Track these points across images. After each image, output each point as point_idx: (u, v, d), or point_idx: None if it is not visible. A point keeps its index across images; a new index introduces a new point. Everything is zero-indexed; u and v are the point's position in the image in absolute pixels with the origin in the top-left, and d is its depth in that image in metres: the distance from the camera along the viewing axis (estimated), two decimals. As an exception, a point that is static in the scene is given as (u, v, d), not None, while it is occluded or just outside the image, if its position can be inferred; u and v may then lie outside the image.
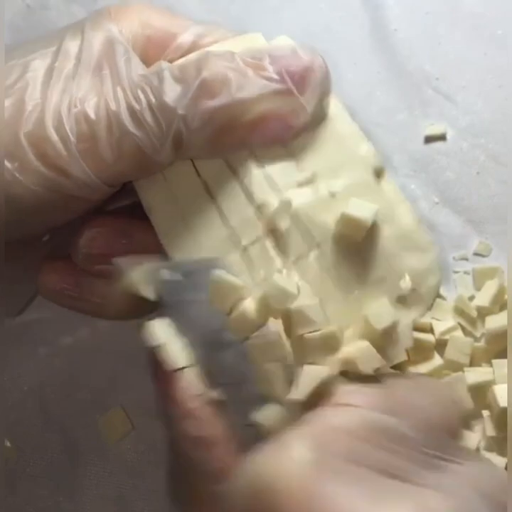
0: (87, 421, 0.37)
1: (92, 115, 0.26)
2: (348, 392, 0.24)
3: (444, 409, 0.25)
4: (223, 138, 0.26)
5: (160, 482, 0.37)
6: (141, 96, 0.26)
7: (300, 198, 0.27)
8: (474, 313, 0.34)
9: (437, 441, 0.23)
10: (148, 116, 0.25)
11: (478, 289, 0.35)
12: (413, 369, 0.35)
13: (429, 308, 0.28)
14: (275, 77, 0.26)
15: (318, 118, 0.28)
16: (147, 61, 0.28)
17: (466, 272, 0.36)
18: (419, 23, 0.41)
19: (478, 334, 0.35)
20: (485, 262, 0.36)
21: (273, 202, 0.27)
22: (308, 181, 0.27)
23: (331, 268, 0.27)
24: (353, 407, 0.23)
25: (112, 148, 0.26)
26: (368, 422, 0.22)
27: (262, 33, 0.41)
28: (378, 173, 0.28)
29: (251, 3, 0.43)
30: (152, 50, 0.28)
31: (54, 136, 0.25)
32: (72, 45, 0.27)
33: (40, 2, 0.44)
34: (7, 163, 0.25)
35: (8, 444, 0.37)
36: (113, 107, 0.26)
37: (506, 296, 0.35)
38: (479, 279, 0.35)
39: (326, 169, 0.27)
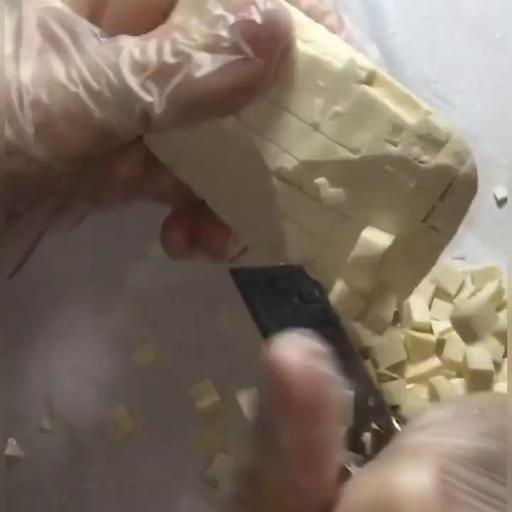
0: (92, 419, 0.38)
1: (47, 100, 0.25)
2: (442, 421, 0.21)
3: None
4: (192, 116, 0.25)
5: (163, 480, 0.37)
6: (101, 77, 0.25)
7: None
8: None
9: None
10: (109, 97, 0.24)
11: (478, 289, 0.36)
12: (412, 368, 0.35)
13: None
14: (231, 46, 0.24)
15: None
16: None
17: (464, 272, 0.36)
18: (418, 27, 0.41)
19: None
20: (482, 262, 0.37)
21: None
22: None
23: None
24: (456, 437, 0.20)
25: (74, 132, 0.25)
26: (476, 449, 0.20)
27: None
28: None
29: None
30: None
31: (8, 131, 0.24)
32: (9, 24, 0.25)
33: None
34: None
35: (13, 442, 0.38)
36: (72, 88, 0.25)
37: (504, 297, 0.35)
38: (478, 279, 0.36)
39: None
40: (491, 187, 0.38)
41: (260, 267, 0.27)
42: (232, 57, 0.24)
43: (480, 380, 0.34)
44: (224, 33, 0.25)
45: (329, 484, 0.20)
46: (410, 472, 0.19)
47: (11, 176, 0.25)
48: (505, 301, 0.35)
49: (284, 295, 0.26)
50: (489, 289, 0.35)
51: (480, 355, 0.34)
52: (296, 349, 0.20)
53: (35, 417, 0.38)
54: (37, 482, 0.38)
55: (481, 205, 0.37)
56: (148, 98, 0.24)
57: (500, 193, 0.38)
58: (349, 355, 0.24)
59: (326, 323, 0.25)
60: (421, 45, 0.41)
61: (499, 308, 0.35)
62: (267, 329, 0.26)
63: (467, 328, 0.34)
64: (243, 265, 0.28)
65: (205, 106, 0.25)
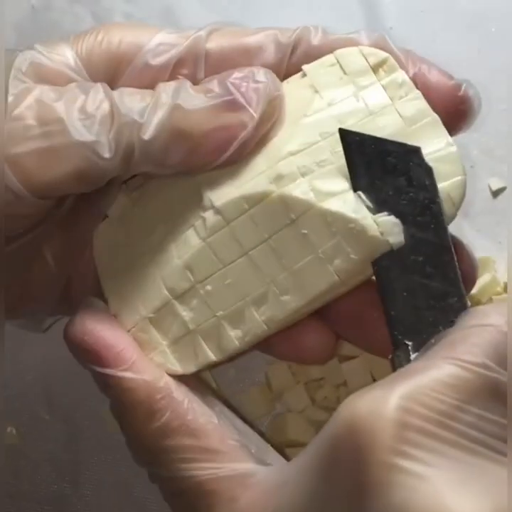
0: (90, 409, 0.38)
1: (30, 120, 0.25)
2: (464, 351, 0.22)
3: None
4: (172, 154, 0.25)
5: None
6: (90, 100, 0.25)
7: None
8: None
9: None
10: (97, 118, 0.25)
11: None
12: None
13: None
14: (219, 91, 0.26)
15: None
16: (116, 77, 0.27)
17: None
18: (415, 21, 0.42)
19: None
20: (477, 252, 0.37)
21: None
22: None
23: None
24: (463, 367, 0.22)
25: (50, 155, 0.25)
26: (481, 374, 0.21)
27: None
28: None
29: (250, 2, 0.43)
30: (119, 65, 0.27)
31: None
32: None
33: (44, 3, 0.45)
34: None
35: (13, 431, 0.38)
36: (59, 110, 0.25)
37: (498, 288, 0.35)
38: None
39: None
40: (486, 178, 0.38)
41: (372, 137, 0.25)
42: (218, 100, 0.25)
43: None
44: (215, 88, 0.26)
45: None
46: (391, 398, 0.21)
47: None
48: (500, 291, 0.35)
49: (391, 172, 0.25)
50: (484, 278, 0.35)
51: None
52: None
53: (34, 406, 0.39)
54: (35, 470, 0.38)
55: (477, 196, 0.38)
56: (140, 120, 0.25)
57: (495, 184, 0.38)
58: (442, 250, 0.25)
59: (426, 214, 0.25)
60: (417, 39, 0.41)
61: (494, 298, 0.35)
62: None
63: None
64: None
65: (191, 140, 0.25)
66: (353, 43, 0.27)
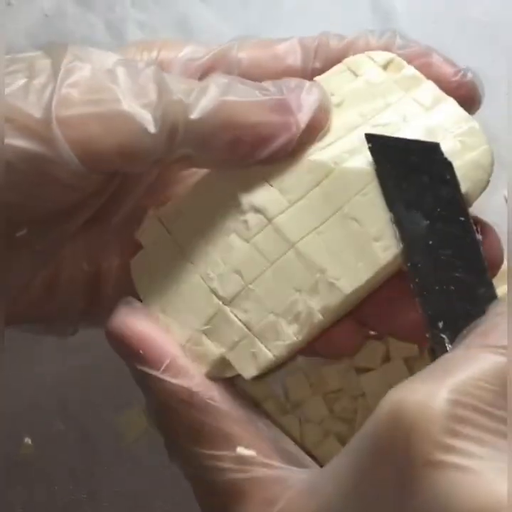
0: (104, 420, 0.38)
1: (82, 87, 0.25)
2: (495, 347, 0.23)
3: None
4: (216, 138, 0.26)
5: (176, 479, 0.38)
6: (141, 77, 0.26)
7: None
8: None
9: None
10: (146, 94, 0.25)
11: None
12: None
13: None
14: (272, 89, 0.27)
15: None
16: None
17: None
18: (427, 32, 0.42)
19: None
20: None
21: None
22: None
23: None
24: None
25: (99, 122, 0.25)
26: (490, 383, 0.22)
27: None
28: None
29: (265, 11, 0.44)
30: None
31: (33, 110, 0.25)
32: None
33: (57, 12, 0.45)
34: None
35: (28, 441, 0.38)
36: (110, 81, 0.25)
37: None
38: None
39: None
40: (502, 189, 0.38)
41: (395, 138, 0.26)
42: (269, 97, 0.26)
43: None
44: (270, 87, 0.27)
45: None
46: (420, 391, 0.21)
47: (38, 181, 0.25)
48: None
49: (415, 171, 0.26)
50: (501, 290, 0.35)
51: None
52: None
53: (49, 417, 0.39)
54: (51, 480, 0.38)
55: (493, 207, 0.38)
56: (187, 101, 0.25)
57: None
58: (468, 244, 0.26)
59: (451, 208, 0.26)
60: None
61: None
62: (393, 202, 0.26)
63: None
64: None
65: (236, 127, 0.26)
66: (365, 43, 0.29)
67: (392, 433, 0.21)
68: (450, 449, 0.20)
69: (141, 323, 0.27)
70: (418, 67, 0.28)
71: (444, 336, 0.25)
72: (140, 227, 0.30)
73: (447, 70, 0.29)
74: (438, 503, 0.20)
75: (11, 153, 0.24)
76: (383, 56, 0.29)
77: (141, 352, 0.26)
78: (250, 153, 0.26)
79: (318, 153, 0.27)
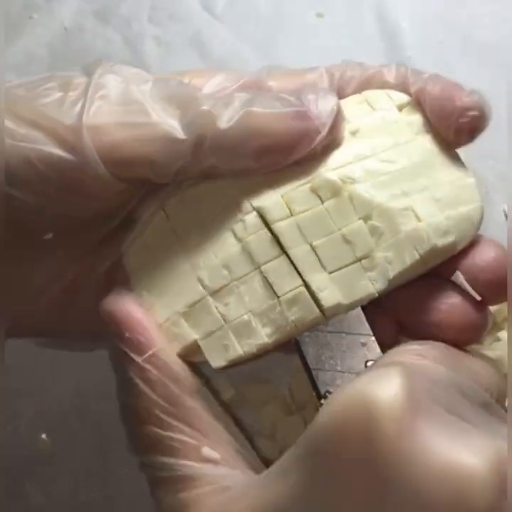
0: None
1: (112, 98, 0.26)
2: (418, 348, 0.25)
3: (490, 378, 0.26)
4: (242, 147, 0.27)
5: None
6: (170, 88, 0.27)
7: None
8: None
9: (485, 402, 0.25)
10: (174, 104, 0.26)
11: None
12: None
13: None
14: (292, 100, 0.27)
15: None
16: None
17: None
18: (433, 51, 0.44)
19: (487, 343, 0.37)
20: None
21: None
22: None
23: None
24: (423, 360, 0.24)
25: (127, 130, 0.26)
26: (438, 373, 0.24)
27: (284, 58, 0.44)
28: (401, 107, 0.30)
29: (276, 31, 0.46)
30: None
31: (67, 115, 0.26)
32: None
33: (77, 25, 0.47)
34: (7, 138, 0.25)
35: (45, 437, 0.39)
36: (140, 93, 0.26)
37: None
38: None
39: None
40: (501, 203, 0.40)
41: None
42: (295, 108, 0.27)
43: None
44: (290, 98, 0.28)
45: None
46: (381, 378, 0.21)
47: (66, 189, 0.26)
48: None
49: None
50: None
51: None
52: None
53: (66, 414, 0.40)
54: (67, 478, 0.39)
55: (492, 220, 0.39)
56: (216, 111, 0.26)
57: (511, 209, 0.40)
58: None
59: None
60: (435, 68, 0.43)
61: (507, 319, 0.37)
62: None
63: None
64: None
65: (262, 136, 0.27)
66: (381, 76, 0.30)
67: (349, 424, 0.21)
68: (415, 430, 0.21)
69: (132, 307, 0.28)
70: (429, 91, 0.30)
71: None
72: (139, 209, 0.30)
73: (457, 93, 0.29)
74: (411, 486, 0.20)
75: (39, 158, 0.26)
76: (401, 97, 0.30)
77: (127, 334, 0.27)
78: (274, 162, 0.27)
79: (331, 173, 0.28)
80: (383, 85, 0.30)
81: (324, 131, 0.27)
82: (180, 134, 0.26)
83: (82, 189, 0.27)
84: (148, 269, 0.29)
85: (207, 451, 0.27)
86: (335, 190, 0.28)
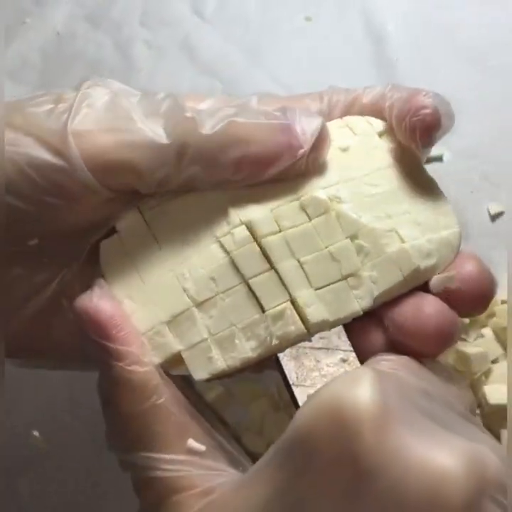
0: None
1: (98, 106, 0.27)
2: (393, 358, 0.26)
3: (452, 389, 0.27)
4: (224, 155, 0.27)
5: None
6: (155, 98, 0.27)
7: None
8: (466, 320, 0.37)
9: (461, 412, 0.26)
10: (158, 112, 0.27)
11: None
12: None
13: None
14: (277, 114, 0.28)
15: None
16: None
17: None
18: (419, 54, 0.44)
19: (471, 339, 0.38)
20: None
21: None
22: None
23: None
24: (398, 371, 0.25)
25: (112, 136, 0.26)
26: (413, 381, 0.25)
27: (273, 62, 0.45)
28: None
29: (263, 34, 0.46)
30: None
31: (52, 123, 0.26)
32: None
33: (69, 30, 0.48)
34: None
35: (37, 434, 0.40)
36: (125, 101, 0.27)
37: (495, 307, 0.38)
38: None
39: None
40: (485, 203, 0.40)
41: None
42: (279, 121, 0.28)
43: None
44: (276, 112, 0.28)
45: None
46: (365, 380, 0.22)
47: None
48: (496, 309, 0.37)
49: None
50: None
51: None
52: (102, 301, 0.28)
53: (59, 413, 0.40)
54: (60, 474, 0.39)
55: (476, 220, 0.40)
56: (199, 118, 0.27)
57: (494, 208, 0.40)
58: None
59: None
60: (421, 71, 0.44)
61: (490, 316, 0.38)
62: None
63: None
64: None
65: (244, 145, 0.27)
66: (361, 99, 0.31)
67: (323, 425, 0.21)
68: (390, 430, 0.21)
69: (114, 308, 0.28)
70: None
71: None
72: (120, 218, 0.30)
73: (415, 96, 0.29)
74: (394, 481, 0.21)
75: (27, 162, 0.26)
76: (380, 124, 0.31)
77: (108, 332, 0.27)
78: (255, 173, 0.28)
79: (319, 191, 0.29)
80: (363, 108, 0.31)
81: (307, 147, 0.28)
82: (163, 139, 0.26)
83: (68, 195, 0.27)
84: (129, 277, 0.29)
85: (191, 442, 0.27)
86: (323, 208, 0.28)
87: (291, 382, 0.28)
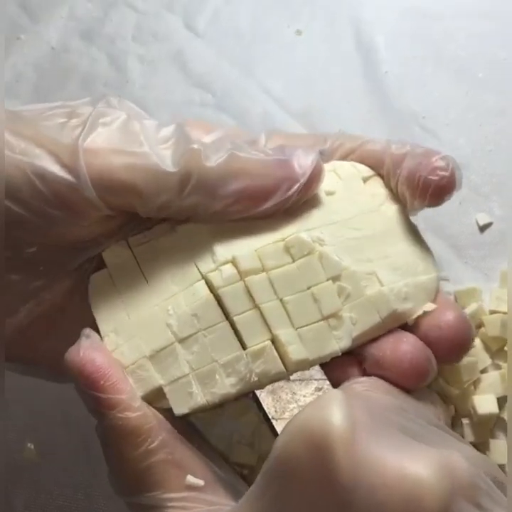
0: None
1: (113, 124, 0.28)
2: (365, 380, 0.27)
3: (427, 404, 0.28)
4: (225, 186, 0.28)
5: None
6: (165, 128, 0.28)
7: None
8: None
9: (438, 425, 0.27)
10: (167, 140, 0.28)
11: (461, 307, 0.38)
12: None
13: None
14: (277, 152, 0.29)
15: None
16: None
17: (448, 293, 0.39)
18: (408, 66, 0.45)
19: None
20: (465, 283, 0.39)
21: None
22: None
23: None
24: (371, 392, 0.26)
25: (121, 157, 0.27)
26: (386, 399, 0.26)
27: (264, 75, 0.46)
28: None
29: (255, 47, 0.47)
30: None
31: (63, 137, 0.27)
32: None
33: (63, 45, 0.49)
34: (8, 151, 0.26)
35: (32, 447, 0.40)
36: (137, 126, 0.28)
37: (483, 317, 0.38)
38: (461, 299, 0.39)
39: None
40: (473, 214, 0.41)
41: None
42: (277, 157, 0.29)
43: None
44: (274, 150, 0.29)
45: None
46: (324, 402, 0.23)
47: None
48: (484, 319, 0.38)
49: None
50: (472, 307, 0.38)
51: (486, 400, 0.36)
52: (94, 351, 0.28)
53: (52, 423, 0.40)
54: (54, 486, 0.40)
55: (465, 231, 0.40)
56: (205, 150, 0.28)
57: (482, 219, 0.40)
58: None
59: None
60: (411, 83, 0.44)
61: (479, 325, 0.38)
62: None
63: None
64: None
65: (245, 178, 0.28)
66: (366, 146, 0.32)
67: (300, 447, 0.22)
68: (363, 445, 0.22)
69: (101, 358, 0.28)
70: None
71: None
72: (108, 249, 0.31)
73: (432, 154, 0.30)
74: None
75: (35, 172, 0.27)
76: (366, 170, 0.32)
77: (98, 382, 0.28)
78: (253, 205, 0.29)
79: (303, 233, 0.30)
80: (362, 157, 0.32)
81: (303, 180, 0.29)
82: (168, 166, 0.27)
83: (71, 208, 0.28)
84: (116, 310, 0.30)
85: (191, 478, 0.27)
86: (307, 250, 0.29)
87: (270, 417, 0.28)
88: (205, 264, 0.29)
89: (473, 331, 0.30)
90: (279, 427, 0.28)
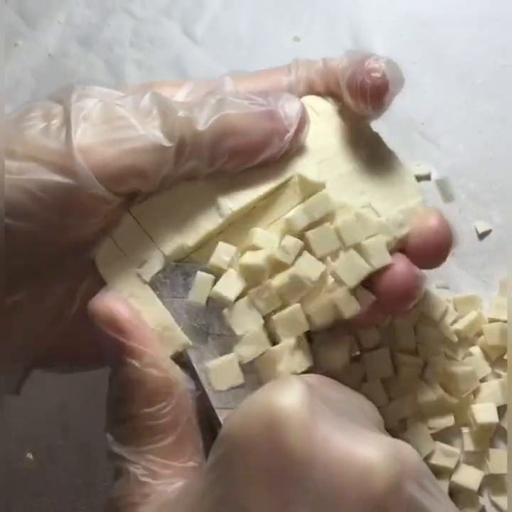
0: (103, 436, 0.40)
1: (96, 118, 0.28)
2: (307, 376, 0.28)
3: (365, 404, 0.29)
4: (219, 147, 0.29)
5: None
6: (146, 101, 0.29)
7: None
8: (455, 339, 0.37)
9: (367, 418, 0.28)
10: (152, 115, 0.28)
11: (460, 315, 0.38)
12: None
13: None
14: (260, 100, 0.30)
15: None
16: None
17: (447, 300, 0.39)
18: (407, 72, 0.44)
19: (459, 358, 0.38)
20: (463, 291, 0.39)
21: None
22: None
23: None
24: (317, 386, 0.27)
25: (115, 146, 0.27)
26: (333, 393, 0.27)
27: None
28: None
29: (255, 51, 0.47)
30: None
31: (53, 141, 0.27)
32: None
33: (60, 52, 0.48)
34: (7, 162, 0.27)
35: (30, 456, 0.40)
36: (121, 109, 0.28)
37: (483, 326, 0.38)
38: (460, 306, 0.39)
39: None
40: (472, 221, 0.41)
41: None
42: (264, 108, 0.30)
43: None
44: (259, 98, 0.30)
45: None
46: (281, 385, 0.24)
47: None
48: (484, 327, 0.38)
49: None
50: (471, 315, 0.38)
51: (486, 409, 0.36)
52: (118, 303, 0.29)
53: (51, 433, 0.40)
54: (53, 495, 0.40)
55: (464, 239, 0.40)
56: (191, 116, 0.28)
57: (481, 227, 0.40)
58: None
59: None
60: (410, 90, 0.44)
61: (479, 334, 0.38)
62: None
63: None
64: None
65: (237, 135, 0.29)
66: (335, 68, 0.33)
67: (252, 426, 0.23)
68: (317, 426, 0.23)
69: (129, 308, 0.29)
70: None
71: None
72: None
73: (366, 59, 0.31)
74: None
75: (37, 187, 0.27)
76: (335, 103, 0.33)
77: (126, 330, 0.28)
78: (248, 159, 0.30)
79: (305, 170, 0.31)
80: (324, 77, 0.33)
81: (292, 131, 0.30)
82: (165, 142, 0.28)
83: (82, 211, 0.28)
84: (125, 275, 0.30)
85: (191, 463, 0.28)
86: (310, 187, 0.30)
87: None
88: (211, 219, 0.30)
89: (454, 233, 0.32)
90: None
